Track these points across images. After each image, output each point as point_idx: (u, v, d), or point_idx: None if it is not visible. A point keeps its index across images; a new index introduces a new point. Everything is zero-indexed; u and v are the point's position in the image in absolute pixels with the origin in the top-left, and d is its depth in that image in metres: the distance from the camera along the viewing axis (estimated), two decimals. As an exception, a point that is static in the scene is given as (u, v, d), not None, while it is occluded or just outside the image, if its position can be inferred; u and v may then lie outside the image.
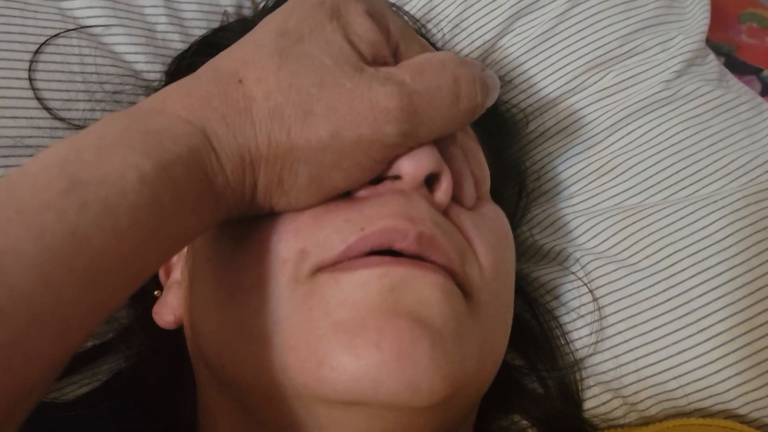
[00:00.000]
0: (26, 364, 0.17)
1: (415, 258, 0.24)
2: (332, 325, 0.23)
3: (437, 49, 0.37)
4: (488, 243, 0.27)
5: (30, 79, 0.37)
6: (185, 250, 0.32)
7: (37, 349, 0.17)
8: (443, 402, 0.23)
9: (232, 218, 0.24)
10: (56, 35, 0.39)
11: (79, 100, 0.38)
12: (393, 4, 0.43)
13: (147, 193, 0.19)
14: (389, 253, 0.24)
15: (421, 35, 0.40)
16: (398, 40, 0.26)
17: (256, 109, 0.23)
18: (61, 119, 0.38)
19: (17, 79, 0.37)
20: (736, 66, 0.54)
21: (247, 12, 0.46)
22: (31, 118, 0.37)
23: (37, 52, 0.38)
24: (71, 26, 0.40)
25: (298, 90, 0.23)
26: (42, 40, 0.38)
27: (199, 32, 0.44)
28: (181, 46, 0.43)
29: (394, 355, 0.22)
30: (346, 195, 0.25)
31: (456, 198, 0.27)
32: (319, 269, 0.24)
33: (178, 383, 0.33)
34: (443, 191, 0.26)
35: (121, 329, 0.36)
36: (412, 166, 0.25)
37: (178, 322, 0.31)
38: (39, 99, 0.37)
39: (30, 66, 0.37)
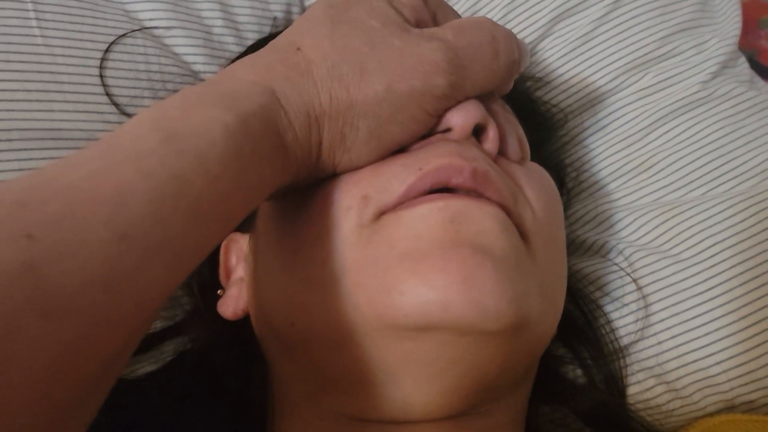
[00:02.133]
0: (147, 289, 0.18)
1: (471, 193, 0.25)
2: (398, 256, 0.24)
3: None
4: (537, 190, 0.28)
5: (101, 76, 0.39)
6: (245, 252, 0.33)
7: (155, 276, 0.19)
8: (511, 329, 0.24)
9: (302, 179, 0.26)
10: (124, 35, 0.40)
11: (144, 97, 0.40)
12: None
13: (231, 144, 0.21)
14: (446, 191, 0.25)
15: None
16: (435, 8, 0.29)
17: (316, 70, 0.24)
18: (128, 115, 0.39)
19: (90, 75, 0.38)
20: (758, 70, 0.55)
21: (296, 17, 0.48)
22: (102, 113, 0.38)
23: (107, 50, 0.39)
24: (136, 27, 0.41)
25: (351, 50, 0.25)
26: (110, 39, 0.40)
27: (251, 35, 0.46)
28: (236, 48, 0.45)
29: (460, 277, 0.23)
30: (400, 151, 0.27)
31: (502, 152, 0.29)
32: (382, 213, 0.25)
33: (245, 364, 0.35)
34: (491, 140, 0.28)
35: (186, 315, 0.38)
36: (461, 117, 0.26)
37: (244, 310, 0.33)
38: (109, 95, 0.39)
39: (101, 64, 0.39)
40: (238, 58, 0.44)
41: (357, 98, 0.24)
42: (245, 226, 0.33)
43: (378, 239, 0.25)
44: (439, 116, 0.26)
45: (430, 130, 0.27)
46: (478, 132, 0.28)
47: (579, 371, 0.40)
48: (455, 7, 0.45)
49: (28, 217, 0.17)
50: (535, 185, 0.29)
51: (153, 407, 0.34)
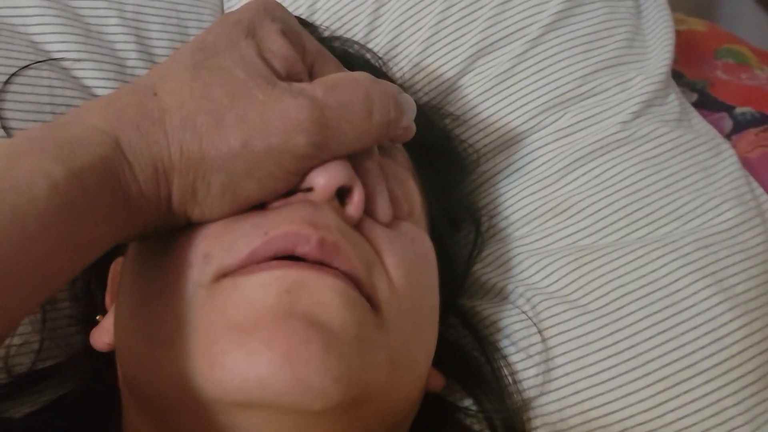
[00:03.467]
0: None
1: (318, 263, 0.24)
2: (227, 326, 0.23)
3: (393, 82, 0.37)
4: (400, 257, 0.27)
5: None
6: None
7: None
8: (341, 407, 0.23)
9: (153, 230, 0.25)
10: (26, 66, 0.40)
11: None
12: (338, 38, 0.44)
13: (58, 200, 0.20)
14: (293, 259, 0.24)
15: (382, 74, 0.41)
16: (313, 59, 0.27)
17: (169, 119, 0.23)
18: None
19: (-15, 109, 0.38)
20: (709, 103, 0.54)
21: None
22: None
23: (7, 82, 0.39)
24: (42, 59, 0.41)
25: (210, 99, 0.23)
26: (13, 71, 0.40)
27: (169, 66, 0.45)
28: (151, 79, 0.44)
29: (284, 353, 0.22)
30: (260, 207, 0.26)
31: (370, 213, 0.27)
32: (223, 275, 0.24)
33: (113, 409, 0.34)
34: (354, 205, 0.26)
35: (71, 353, 0.37)
36: (324, 177, 0.25)
37: (111, 345, 0.32)
38: (5, 128, 0.38)
39: None
40: None
41: (209, 152, 0.23)
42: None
43: (212, 305, 0.24)
44: (304, 174, 0.25)
45: (293, 188, 0.26)
46: (342, 193, 0.27)
47: (483, 424, 0.38)
48: (374, 45, 0.44)
49: None
50: (398, 251, 0.27)
51: None
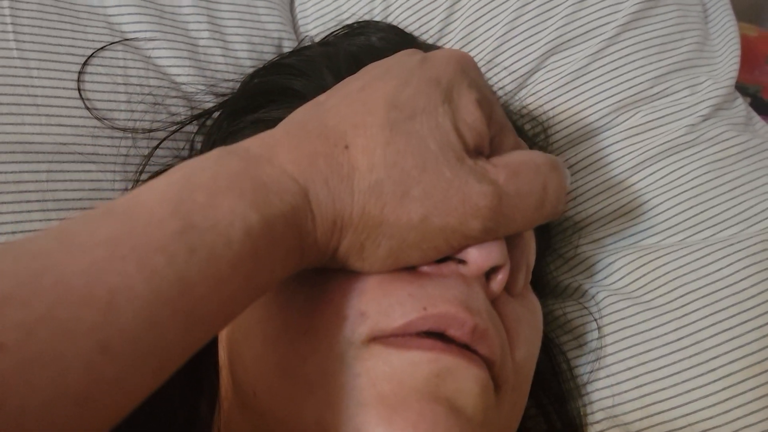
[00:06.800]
0: (125, 400, 0.17)
1: (464, 345, 0.25)
2: (376, 396, 0.23)
3: None
4: (525, 337, 0.28)
5: (79, 90, 0.38)
6: None
7: (136, 387, 0.18)
8: None
9: (307, 266, 0.25)
10: (102, 48, 0.40)
11: (121, 110, 0.40)
12: None
13: (249, 245, 0.20)
14: (439, 335, 0.25)
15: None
16: (497, 130, 0.27)
17: (358, 179, 0.23)
18: (107, 120, 0.39)
19: (64, 89, 0.38)
20: (761, 107, 0.55)
21: (286, 41, 0.47)
22: (75, 126, 0.38)
23: (84, 63, 0.39)
24: (117, 39, 0.41)
25: (401, 169, 0.23)
26: (89, 52, 0.40)
27: (240, 47, 0.45)
28: (222, 60, 0.44)
29: None
30: (412, 267, 0.26)
31: (506, 287, 0.28)
32: (375, 338, 0.24)
33: (198, 385, 0.34)
34: (498, 283, 0.27)
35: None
36: (481, 258, 0.25)
37: None
38: (89, 108, 0.38)
39: (78, 77, 0.38)
40: (257, 72, 0.42)
41: (389, 219, 0.24)
42: None
43: (362, 368, 0.24)
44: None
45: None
46: (490, 269, 0.27)
47: (538, 419, 0.39)
48: (448, 40, 0.44)
49: (5, 322, 0.16)
50: (524, 330, 0.28)
51: None
